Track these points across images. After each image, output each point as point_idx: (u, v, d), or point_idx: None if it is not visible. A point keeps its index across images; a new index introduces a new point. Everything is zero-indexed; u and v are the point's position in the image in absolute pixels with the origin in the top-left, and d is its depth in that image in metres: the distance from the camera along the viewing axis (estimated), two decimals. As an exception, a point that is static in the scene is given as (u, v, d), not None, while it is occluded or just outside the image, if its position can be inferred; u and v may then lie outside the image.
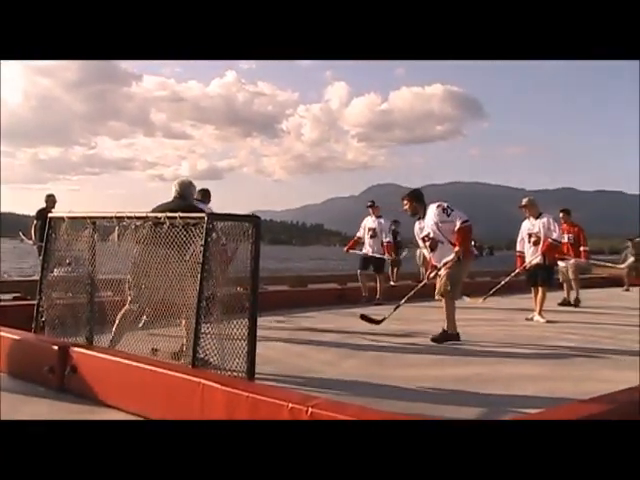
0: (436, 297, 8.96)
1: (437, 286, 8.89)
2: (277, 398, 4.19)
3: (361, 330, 9.54)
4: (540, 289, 11.52)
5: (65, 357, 5.76)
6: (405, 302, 9.49)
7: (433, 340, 8.65)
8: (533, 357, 7.90)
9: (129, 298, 6.38)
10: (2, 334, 6.55)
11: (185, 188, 7.09)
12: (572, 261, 14.37)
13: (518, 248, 12.07)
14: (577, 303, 14.33)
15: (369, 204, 14.97)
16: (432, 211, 8.82)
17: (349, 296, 14.48)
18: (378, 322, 9.46)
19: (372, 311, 10.68)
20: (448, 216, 8.70)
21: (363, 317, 9.66)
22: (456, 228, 8.64)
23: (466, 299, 13.27)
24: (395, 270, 18.86)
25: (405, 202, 9.08)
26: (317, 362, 7.34)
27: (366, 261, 14.45)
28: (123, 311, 6.35)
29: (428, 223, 8.88)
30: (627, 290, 19.54)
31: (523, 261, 11.87)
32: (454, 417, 4.92)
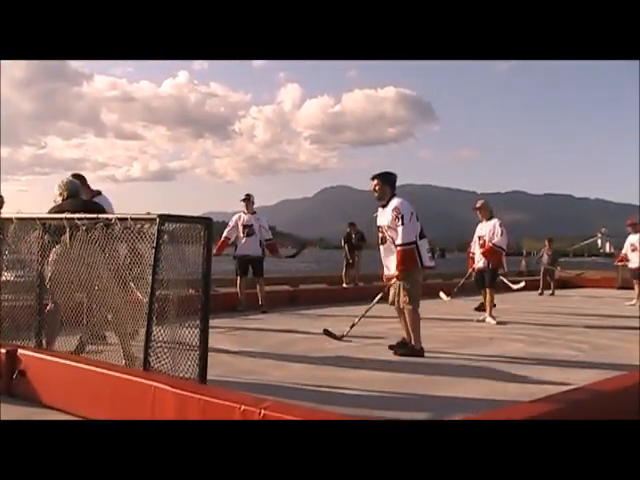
0: (394, 307, 8.29)
1: (391, 295, 8.27)
2: (229, 400, 4.19)
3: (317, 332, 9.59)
4: (487, 291, 11.72)
5: (13, 361, 5.68)
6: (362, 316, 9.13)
7: (393, 350, 8.19)
8: (481, 358, 7.99)
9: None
10: (-52, 337, 6.44)
11: (74, 187, 7.15)
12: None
13: (471, 249, 12.27)
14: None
15: (244, 198, 13.14)
16: (390, 208, 8.05)
17: (301, 298, 14.46)
18: (339, 338, 9.13)
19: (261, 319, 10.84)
20: (397, 225, 7.91)
21: (326, 332, 9.27)
22: (397, 245, 7.99)
23: (443, 296, 13.38)
24: (348, 272, 19.06)
25: (375, 182, 8.19)
26: (264, 365, 7.34)
27: (244, 264, 12.87)
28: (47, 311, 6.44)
29: (385, 217, 8.12)
30: (541, 294, 19.22)
31: (474, 262, 12.07)
32: (400, 417, 4.99)
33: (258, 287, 12.91)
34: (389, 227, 8.03)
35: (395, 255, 8.01)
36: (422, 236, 8.11)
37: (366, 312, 9.07)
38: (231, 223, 13.09)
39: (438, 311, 12.62)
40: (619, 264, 18.39)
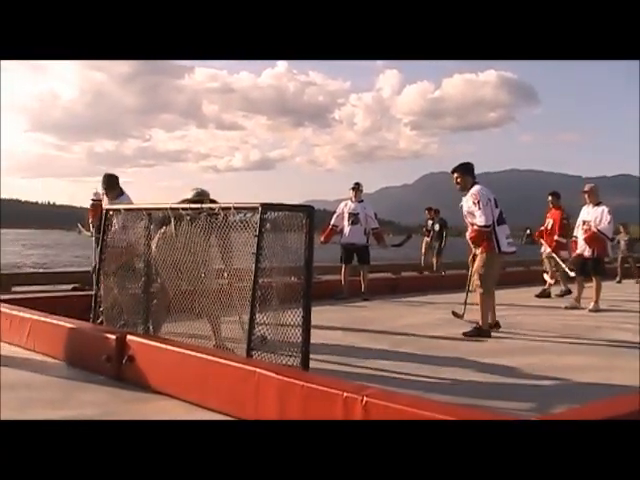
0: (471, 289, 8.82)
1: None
2: (331, 387, 4.20)
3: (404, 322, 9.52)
4: (594, 279, 11.39)
5: (122, 346, 5.84)
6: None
7: (464, 334, 8.38)
8: (587, 347, 7.80)
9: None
10: (61, 324, 6.68)
11: (203, 193, 7.26)
12: (546, 250, 13.54)
13: (575, 233, 11.92)
14: (544, 295, 13.48)
15: (353, 186, 13.01)
16: (468, 196, 8.51)
17: (402, 286, 14.38)
18: (461, 317, 9.32)
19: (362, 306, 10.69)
20: (474, 211, 8.35)
21: (454, 314, 9.43)
22: (474, 227, 8.43)
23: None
24: (438, 259, 18.80)
25: (456, 175, 8.65)
26: (368, 353, 7.32)
27: (349, 252, 12.78)
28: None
29: (466, 204, 8.60)
30: (619, 282, 18.30)
31: (577, 246, 11.75)
32: (506, 407, 4.91)
33: (362, 274, 12.78)
34: (468, 213, 8.51)
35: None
36: (501, 222, 8.43)
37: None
38: (338, 211, 13.05)
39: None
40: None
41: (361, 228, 12.73)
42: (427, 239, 19.66)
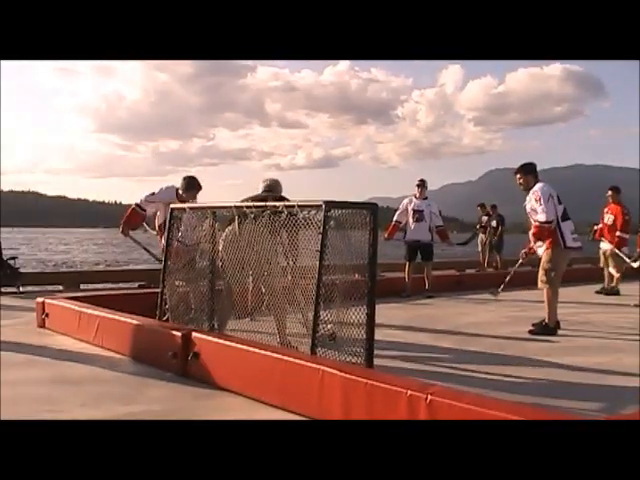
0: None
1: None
2: (395, 385, 4.18)
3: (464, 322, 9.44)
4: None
5: (188, 343, 5.91)
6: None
7: (530, 332, 8.35)
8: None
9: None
10: (128, 321, 6.80)
11: (274, 184, 7.34)
12: (609, 247, 12.97)
13: None
14: (612, 292, 13.03)
15: (418, 183, 12.93)
16: (530, 194, 8.47)
17: (467, 283, 14.24)
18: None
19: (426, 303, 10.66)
20: (536, 208, 8.30)
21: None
22: (534, 223, 8.39)
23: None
24: (499, 257, 18.42)
25: (518, 176, 8.65)
26: (432, 351, 7.29)
27: (413, 249, 12.71)
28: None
29: (529, 202, 8.54)
30: None
31: None
32: (574, 408, 4.84)
33: (426, 271, 12.73)
34: (532, 209, 8.44)
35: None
36: (565, 218, 8.41)
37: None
38: (401, 207, 12.88)
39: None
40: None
41: (426, 225, 12.61)
42: (482, 236, 19.07)
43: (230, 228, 6.61)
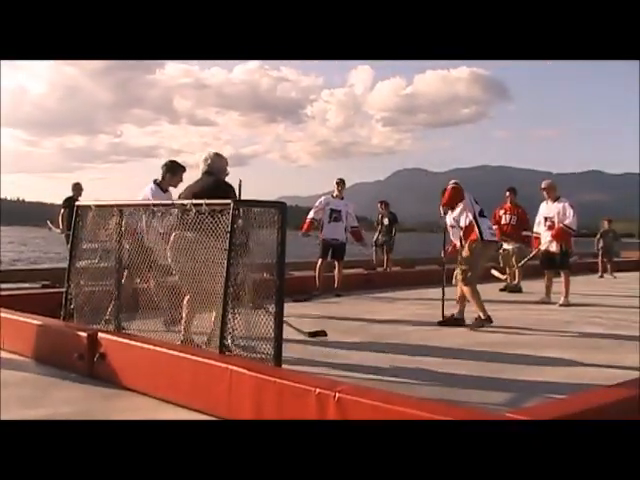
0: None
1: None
2: (304, 383, 4.22)
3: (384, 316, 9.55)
4: (562, 274, 11.54)
5: (94, 344, 5.82)
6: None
7: (470, 327, 8.77)
8: (560, 342, 7.89)
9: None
10: (31, 321, 6.63)
11: (215, 163, 6.94)
12: (512, 245, 13.54)
13: (535, 229, 12.15)
14: (515, 290, 13.48)
15: (338, 181, 13.02)
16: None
17: (376, 281, 14.41)
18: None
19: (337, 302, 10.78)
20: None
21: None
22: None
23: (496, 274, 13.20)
24: (388, 256, 17.67)
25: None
26: (340, 348, 7.34)
27: (329, 247, 12.69)
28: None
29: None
30: (601, 277, 18.65)
31: (539, 243, 11.91)
32: (481, 401, 4.95)
33: (337, 271, 12.80)
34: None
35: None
36: (482, 215, 9.03)
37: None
38: (318, 204, 12.87)
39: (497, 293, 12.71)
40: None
41: (342, 225, 12.71)
42: (376, 234, 18.18)
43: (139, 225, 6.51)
